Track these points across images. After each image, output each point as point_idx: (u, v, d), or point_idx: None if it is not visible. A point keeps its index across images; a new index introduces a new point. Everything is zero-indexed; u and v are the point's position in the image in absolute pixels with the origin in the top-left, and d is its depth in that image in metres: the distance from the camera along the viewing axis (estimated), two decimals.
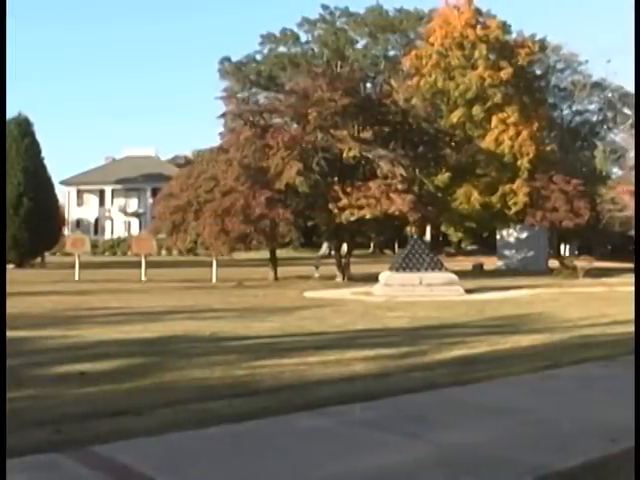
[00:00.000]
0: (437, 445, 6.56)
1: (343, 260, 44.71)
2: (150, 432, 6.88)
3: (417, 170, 46.36)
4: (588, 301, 26.47)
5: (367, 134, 41.37)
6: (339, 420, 7.47)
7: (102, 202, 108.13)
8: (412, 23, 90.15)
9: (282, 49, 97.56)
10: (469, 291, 30.76)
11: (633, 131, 70.81)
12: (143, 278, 41.36)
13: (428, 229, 64.54)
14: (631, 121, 78.85)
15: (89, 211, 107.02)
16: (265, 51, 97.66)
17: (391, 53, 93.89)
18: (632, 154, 64.72)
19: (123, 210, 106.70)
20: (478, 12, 61.50)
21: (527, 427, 7.25)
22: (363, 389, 9.12)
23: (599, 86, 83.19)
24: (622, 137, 79.11)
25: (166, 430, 6.98)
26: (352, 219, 39.91)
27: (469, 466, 5.94)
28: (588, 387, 9.54)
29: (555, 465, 5.90)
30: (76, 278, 40.95)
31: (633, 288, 24.65)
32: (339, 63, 70.65)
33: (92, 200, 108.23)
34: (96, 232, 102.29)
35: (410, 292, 29.35)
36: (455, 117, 58.26)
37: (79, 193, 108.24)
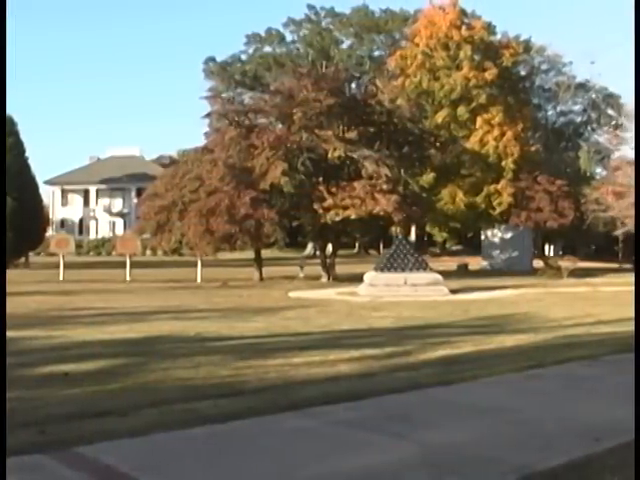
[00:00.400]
0: (422, 445, 6.58)
1: (328, 260, 44.72)
2: (135, 433, 6.86)
3: (402, 170, 46.40)
4: (572, 301, 26.58)
5: (352, 134, 41.38)
6: (324, 420, 7.48)
7: (87, 202, 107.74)
8: (397, 24, 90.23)
9: (267, 49, 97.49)
10: (454, 291, 30.82)
11: (617, 132, 71.21)
12: (128, 278, 41.25)
13: (413, 229, 64.62)
14: (614, 122, 79.29)
15: (73, 211, 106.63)
16: (250, 51, 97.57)
17: (376, 53, 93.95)
18: (616, 155, 65.07)
19: (108, 210, 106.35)
20: (463, 13, 61.65)
21: (511, 427, 7.28)
22: (348, 389, 9.12)
23: (583, 87, 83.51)
24: (606, 138, 79.53)
25: (151, 430, 6.96)
26: (337, 219, 39.91)
27: (453, 466, 5.96)
28: (572, 387, 9.58)
29: (539, 465, 5.92)
30: (60, 278, 40.81)
31: (633, 288, 24.71)
32: (324, 63, 70.60)
33: (76, 200, 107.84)
34: (80, 232, 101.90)
35: (395, 292, 29.39)
36: (440, 117, 58.36)
37: (63, 193, 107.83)
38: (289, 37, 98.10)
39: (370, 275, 32.06)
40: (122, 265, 43.97)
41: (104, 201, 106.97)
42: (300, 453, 6.38)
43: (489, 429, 7.20)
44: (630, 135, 62.94)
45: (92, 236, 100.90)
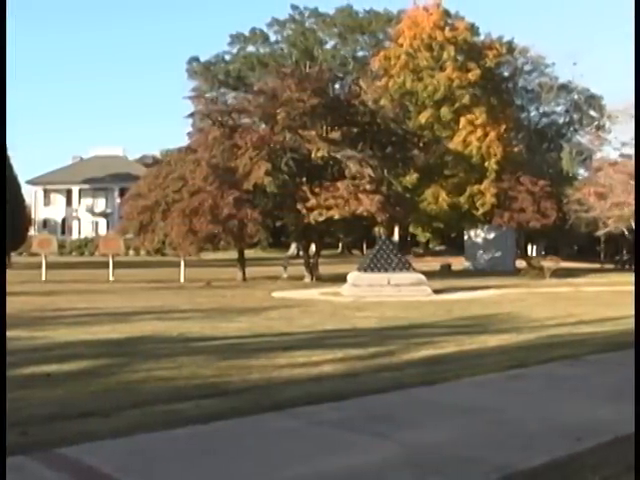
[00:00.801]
0: (405, 445, 6.59)
1: (311, 260, 44.74)
2: (117, 433, 6.84)
3: (385, 171, 46.50)
4: (555, 301, 26.69)
5: (335, 134, 41.44)
6: (307, 421, 7.48)
7: (69, 202, 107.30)
8: (381, 24, 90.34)
9: (251, 49, 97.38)
10: (437, 291, 30.89)
11: (599, 133, 71.58)
12: (111, 278, 41.12)
13: (396, 229, 64.73)
14: (596, 123, 79.68)
15: (56, 211, 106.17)
16: (234, 51, 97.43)
17: (360, 54, 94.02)
18: (598, 155, 65.41)
19: (91, 210, 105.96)
20: (446, 14, 61.85)
21: (494, 426, 7.30)
22: (331, 389, 9.13)
23: (565, 88, 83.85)
24: (588, 139, 79.89)
25: (133, 431, 6.94)
26: (320, 219, 39.94)
27: (436, 465, 5.97)
28: (554, 387, 9.61)
29: (520, 464, 5.94)
30: (43, 278, 40.62)
31: (633, 288, 24.78)
32: (308, 63, 70.59)
33: (59, 200, 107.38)
34: (63, 232, 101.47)
35: (378, 292, 29.42)
36: (423, 118, 58.52)
37: (46, 193, 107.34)
38: (273, 37, 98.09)
39: (353, 275, 32.09)
40: (105, 265, 43.83)
41: (87, 201, 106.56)
42: (283, 453, 6.38)
43: (472, 429, 7.22)
44: (611, 136, 63.33)
45: (75, 236, 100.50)
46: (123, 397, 8.80)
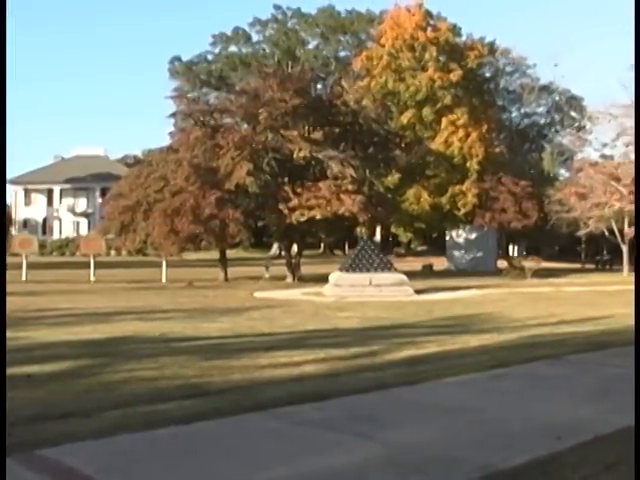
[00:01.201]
0: (387, 445, 6.60)
1: (293, 260, 44.74)
2: (99, 434, 6.82)
3: (367, 171, 46.55)
4: (536, 301, 26.80)
5: (317, 135, 41.45)
6: (289, 421, 7.48)
7: (50, 202, 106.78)
8: (363, 24, 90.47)
9: (233, 49, 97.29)
10: (419, 291, 30.95)
11: (579, 134, 71.94)
12: (92, 279, 40.97)
13: (378, 230, 64.82)
14: (577, 124, 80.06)
15: (37, 211, 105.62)
16: (216, 51, 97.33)
17: (342, 54, 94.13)
18: (579, 156, 65.70)
19: (72, 210, 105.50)
20: (428, 14, 61.98)
21: (475, 426, 7.33)
22: (313, 390, 9.13)
23: (547, 89, 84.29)
24: (569, 139, 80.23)
25: (115, 432, 6.93)
26: (302, 219, 39.94)
27: (418, 465, 5.99)
28: (536, 386, 9.66)
29: (502, 464, 5.97)
30: (23, 279, 40.43)
31: (633, 287, 24.86)
32: (290, 63, 70.58)
33: (40, 200, 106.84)
34: (44, 232, 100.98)
35: (360, 292, 29.44)
36: (405, 118, 58.65)
37: (27, 192, 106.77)
38: (255, 37, 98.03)
39: (335, 275, 32.10)
40: (86, 265, 43.65)
41: (68, 201, 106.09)
42: (265, 454, 6.38)
43: (453, 429, 7.25)
44: (592, 137, 63.64)
45: (56, 236, 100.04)
46: (105, 398, 8.77)
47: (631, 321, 14.07)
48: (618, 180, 52.73)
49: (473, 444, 6.64)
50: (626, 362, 10.40)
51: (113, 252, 65.62)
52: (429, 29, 60.07)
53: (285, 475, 5.82)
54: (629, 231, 52.60)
